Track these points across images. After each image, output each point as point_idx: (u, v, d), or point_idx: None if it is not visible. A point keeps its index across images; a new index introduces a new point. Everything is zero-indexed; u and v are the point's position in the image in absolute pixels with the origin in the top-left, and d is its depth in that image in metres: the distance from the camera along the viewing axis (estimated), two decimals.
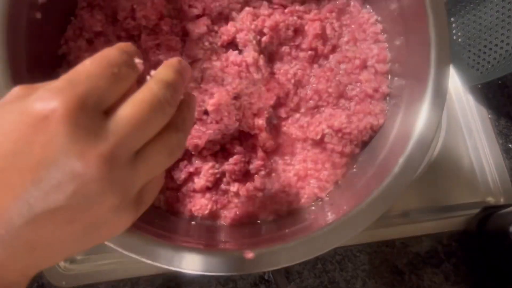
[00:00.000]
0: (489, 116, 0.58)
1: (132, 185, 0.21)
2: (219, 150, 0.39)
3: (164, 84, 0.21)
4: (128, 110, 0.20)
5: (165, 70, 0.23)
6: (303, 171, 0.39)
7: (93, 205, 0.19)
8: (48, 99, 0.18)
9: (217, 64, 0.38)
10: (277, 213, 0.38)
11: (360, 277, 0.49)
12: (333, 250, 0.49)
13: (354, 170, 0.39)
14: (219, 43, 0.40)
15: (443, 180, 0.55)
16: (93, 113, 0.19)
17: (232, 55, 0.38)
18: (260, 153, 0.38)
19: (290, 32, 0.40)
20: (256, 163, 0.38)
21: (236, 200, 0.38)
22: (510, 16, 0.51)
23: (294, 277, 0.48)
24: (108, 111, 0.20)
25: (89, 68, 0.20)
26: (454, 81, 0.60)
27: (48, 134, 0.18)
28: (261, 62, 0.38)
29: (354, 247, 0.50)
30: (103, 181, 0.19)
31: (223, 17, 0.41)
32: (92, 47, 0.38)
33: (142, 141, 0.20)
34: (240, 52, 0.39)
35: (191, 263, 0.27)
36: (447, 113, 0.58)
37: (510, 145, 0.56)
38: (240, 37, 0.38)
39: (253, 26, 0.38)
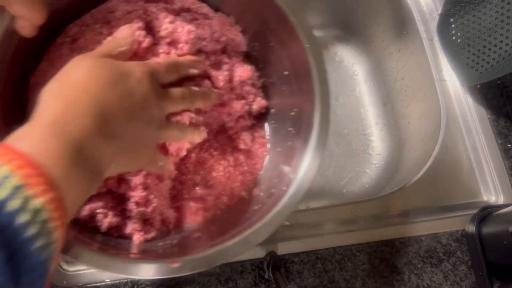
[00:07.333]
0: (488, 116, 0.58)
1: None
2: None
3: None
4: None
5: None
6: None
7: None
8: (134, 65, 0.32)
9: None
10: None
11: (359, 276, 0.49)
12: (332, 250, 0.50)
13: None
14: None
15: (443, 180, 0.55)
16: (155, 80, 0.33)
17: None
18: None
19: None
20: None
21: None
22: (509, 16, 0.51)
23: (294, 277, 0.48)
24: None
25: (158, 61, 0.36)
26: (454, 82, 0.60)
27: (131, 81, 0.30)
28: None
29: (354, 246, 0.50)
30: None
31: None
32: None
33: (171, 74, 0.36)
34: None
35: (141, 271, 0.32)
36: (446, 113, 0.58)
37: (509, 145, 0.57)
38: None
39: None
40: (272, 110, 0.47)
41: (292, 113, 0.42)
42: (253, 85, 0.46)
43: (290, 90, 0.43)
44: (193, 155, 0.44)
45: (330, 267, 0.49)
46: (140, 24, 0.37)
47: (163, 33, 0.38)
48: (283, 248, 0.49)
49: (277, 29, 0.41)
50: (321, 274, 0.49)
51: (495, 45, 0.53)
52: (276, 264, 0.46)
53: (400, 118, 0.70)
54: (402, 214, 0.53)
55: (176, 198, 0.43)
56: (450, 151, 0.56)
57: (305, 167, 0.37)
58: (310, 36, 0.39)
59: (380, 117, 0.75)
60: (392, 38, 0.70)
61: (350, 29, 0.78)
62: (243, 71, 0.44)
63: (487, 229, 0.49)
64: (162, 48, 0.38)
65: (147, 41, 0.36)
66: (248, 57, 0.47)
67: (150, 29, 0.38)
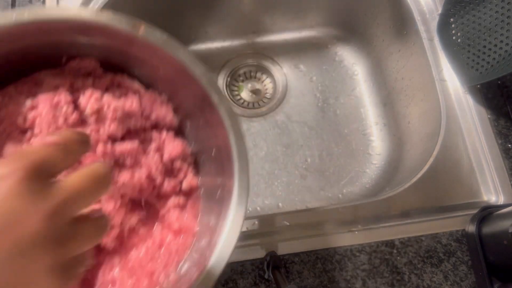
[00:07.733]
0: (488, 116, 0.58)
1: (68, 248, 0.22)
2: None
3: (103, 168, 0.25)
4: (73, 178, 0.23)
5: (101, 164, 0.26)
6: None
7: (29, 262, 0.20)
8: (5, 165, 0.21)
9: None
10: None
11: (360, 276, 0.49)
12: (332, 250, 0.50)
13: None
14: None
15: (443, 180, 0.55)
16: (42, 178, 0.21)
17: None
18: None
19: None
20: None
21: None
22: (509, 16, 0.51)
23: (294, 277, 0.48)
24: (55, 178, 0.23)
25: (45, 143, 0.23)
26: (454, 82, 0.60)
27: (2, 193, 0.20)
28: None
29: (354, 246, 0.50)
30: (45, 237, 0.20)
31: None
32: None
33: (81, 206, 0.23)
34: None
35: None
36: (446, 113, 0.58)
37: (509, 145, 0.57)
38: None
39: None
40: (202, 189, 0.45)
41: (218, 192, 0.41)
42: (184, 160, 0.44)
43: (217, 169, 0.42)
44: (114, 234, 0.40)
45: (330, 267, 0.49)
46: (68, 97, 0.36)
47: (88, 111, 0.37)
48: (283, 248, 0.49)
49: (203, 109, 0.41)
50: (321, 274, 0.49)
51: (495, 45, 0.53)
52: (276, 264, 0.46)
53: (400, 118, 0.70)
54: (402, 214, 0.53)
55: (90, 283, 0.38)
56: (450, 151, 0.56)
57: (220, 247, 0.35)
58: (231, 115, 0.38)
59: (380, 117, 0.75)
60: (392, 38, 0.70)
61: (350, 29, 0.79)
62: (174, 147, 0.42)
63: (487, 229, 0.49)
64: (91, 126, 0.37)
65: (73, 118, 0.35)
66: (181, 134, 0.45)
67: (77, 106, 0.37)
